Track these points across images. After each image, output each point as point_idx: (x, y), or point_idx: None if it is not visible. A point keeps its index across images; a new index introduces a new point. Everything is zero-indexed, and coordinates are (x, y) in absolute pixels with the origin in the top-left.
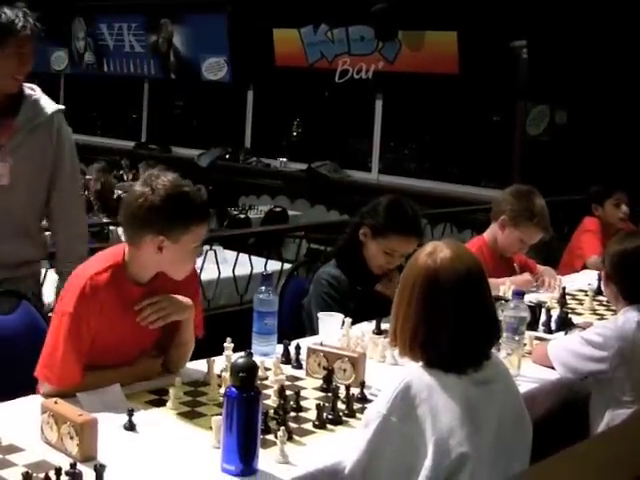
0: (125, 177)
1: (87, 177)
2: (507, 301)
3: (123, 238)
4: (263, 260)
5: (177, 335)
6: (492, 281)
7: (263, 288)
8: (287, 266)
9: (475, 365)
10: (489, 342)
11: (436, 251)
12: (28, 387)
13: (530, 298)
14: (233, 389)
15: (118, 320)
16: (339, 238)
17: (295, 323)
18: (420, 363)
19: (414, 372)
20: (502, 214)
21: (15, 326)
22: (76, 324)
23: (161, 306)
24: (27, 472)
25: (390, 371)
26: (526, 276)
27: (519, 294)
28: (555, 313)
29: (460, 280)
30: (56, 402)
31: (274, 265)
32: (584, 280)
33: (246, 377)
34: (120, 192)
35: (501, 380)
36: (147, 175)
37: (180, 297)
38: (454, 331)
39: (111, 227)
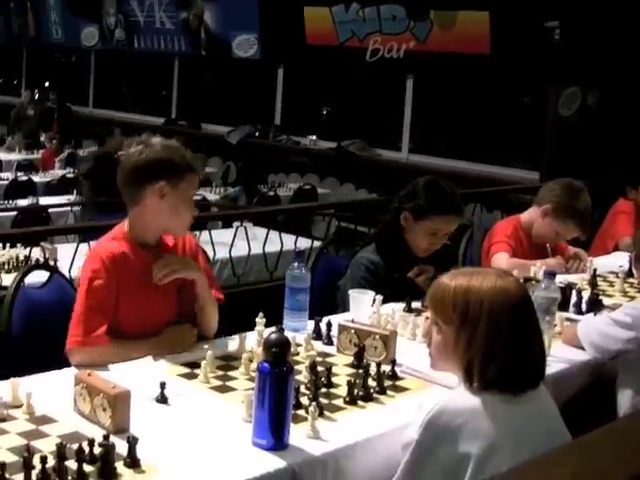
0: None
1: (120, 153)
2: (538, 282)
3: None
4: (293, 237)
5: (196, 301)
6: (524, 262)
7: (296, 264)
8: (317, 244)
9: (529, 387)
10: (543, 364)
11: (505, 274)
12: (61, 359)
13: (561, 279)
14: (265, 364)
15: (135, 289)
16: (378, 223)
17: (325, 300)
18: (461, 386)
19: (449, 397)
20: (547, 202)
21: (47, 299)
22: (94, 286)
23: (167, 262)
24: (61, 443)
25: (421, 349)
26: (558, 259)
27: (550, 275)
28: (586, 295)
29: (526, 300)
30: (89, 374)
31: (304, 242)
32: (615, 262)
33: (278, 352)
34: None
35: (540, 397)
36: (136, 139)
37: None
38: (534, 347)
39: None
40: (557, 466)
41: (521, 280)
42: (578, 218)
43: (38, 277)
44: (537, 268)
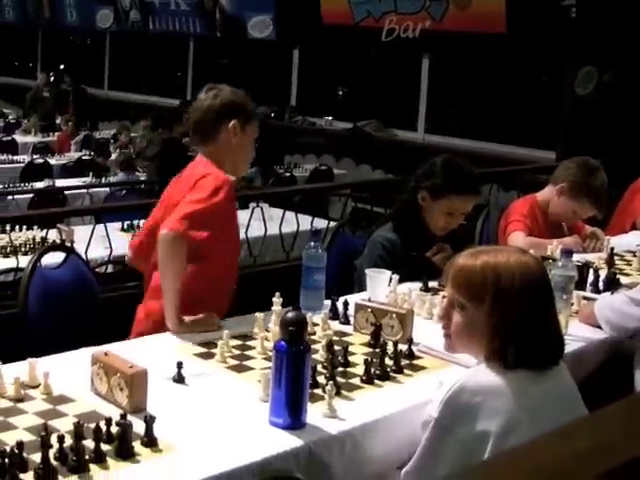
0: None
1: (133, 134)
2: (555, 261)
3: None
4: (309, 218)
5: None
6: (540, 241)
7: (312, 243)
8: (333, 225)
9: (552, 363)
10: (563, 341)
11: (523, 251)
12: (77, 338)
13: (578, 258)
14: (283, 343)
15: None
16: (395, 202)
17: (342, 280)
18: (481, 364)
19: (469, 375)
20: (563, 181)
21: (64, 279)
22: (214, 202)
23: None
24: (78, 422)
25: (437, 328)
26: (575, 238)
27: (568, 253)
28: (603, 273)
29: (547, 277)
30: (106, 354)
31: (320, 223)
32: (633, 241)
33: (295, 331)
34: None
35: (559, 375)
36: (205, 87)
37: None
38: (553, 323)
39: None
40: (576, 439)
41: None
42: (594, 197)
43: (54, 259)
44: (554, 247)
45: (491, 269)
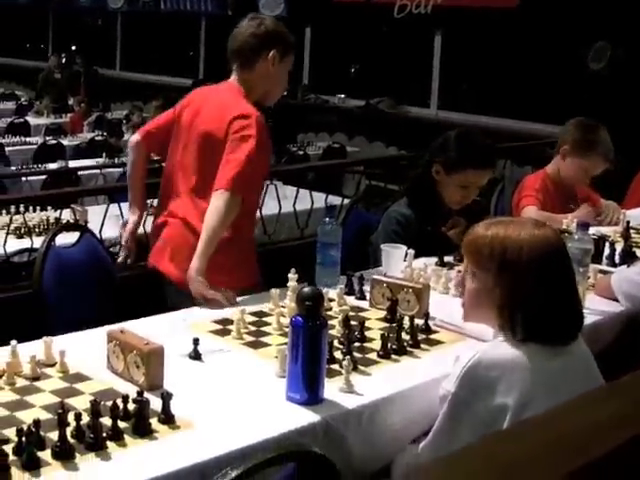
0: None
1: (145, 115)
2: (570, 234)
3: None
4: (323, 195)
5: None
6: (553, 216)
7: (327, 219)
8: (347, 202)
9: (569, 338)
10: (581, 315)
11: (540, 224)
12: (93, 317)
13: (593, 232)
14: (299, 318)
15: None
16: (409, 177)
17: (356, 256)
18: (498, 338)
19: (485, 349)
20: (564, 144)
21: (78, 258)
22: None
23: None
24: (95, 400)
25: (453, 302)
26: (587, 207)
27: (584, 226)
28: (619, 247)
29: (564, 249)
30: (122, 331)
31: (334, 201)
32: None
33: (312, 306)
34: None
35: (577, 349)
36: (248, 16)
37: None
38: (571, 298)
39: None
40: (597, 407)
41: None
42: (598, 148)
43: (69, 239)
44: (569, 221)
45: (499, 241)
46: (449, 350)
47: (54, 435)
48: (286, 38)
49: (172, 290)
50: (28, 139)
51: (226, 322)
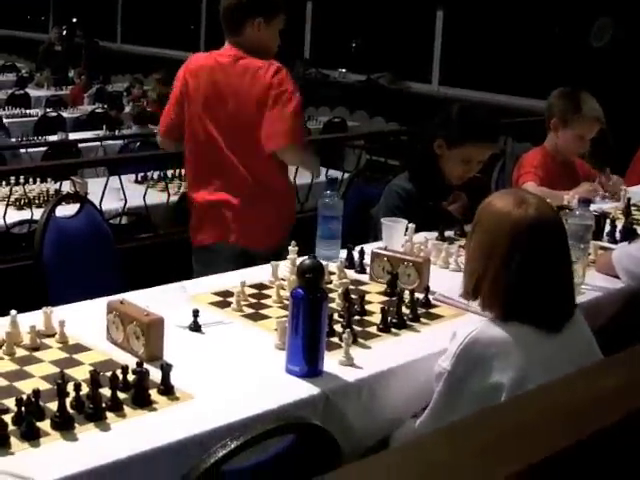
0: None
1: (145, 87)
2: (571, 210)
3: None
4: (323, 170)
5: None
6: (553, 192)
7: (328, 192)
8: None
9: (566, 317)
10: (573, 296)
11: (526, 200)
12: (93, 287)
13: (595, 208)
14: (299, 290)
15: None
16: (407, 151)
17: (357, 230)
18: (492, 315)
19: (482, 327)
20: (552, 118)
21: (78, 228)
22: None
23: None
24: (94, 370)
25: (454, 277)
26: (587, 185)
27: (585, 202)
28: (620, 224)
29: (558, 225)
30: (122, 302)
31: (335, 174)
32: None
33: (312, 278)
34: None
35: (575, 327)
36: None
37: None
38: (556, 280)
39: None
40: (601, 378)
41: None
42: (584, 109)
43: (69, 211)
44: (570, 197)
45: (481, 209)
46: (449, 324)
47: (53, 405)
48: (268, 4)
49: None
50: (28, 111)
51: (226, 294)
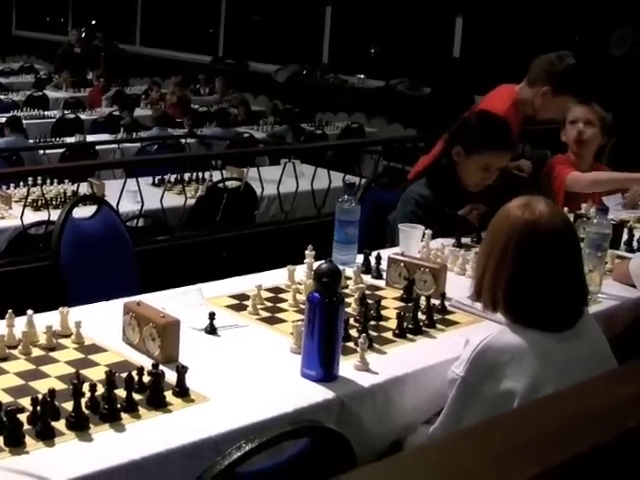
0: (202, 91)
1: (163, 91)
2: (589, 219)
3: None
4: (341, 175)
5: None
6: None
7: (345, 197)
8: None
9: (568, 323)
10: (583, 299)
11: (531, 204)
12: (109, 289)
13: (612, 217)
14: (316, 294)
15: None
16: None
17: (373, 235)
18: (507, 322)
19: (496, 334)
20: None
21: (96, 229)
22: None
23: None
24: (110, 371)
25: (470, 284)
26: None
27: (603, 211)
28: (637, 233)
29: (559, 233)
30: (139, 304)
31: (352, 180)
32: None
33: (329, 282)
34: (197, 106)
35: (588, 333)
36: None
37: None
38: (551, 287)
39: (189, 140)
40: (619, 384)
41: (571, 218)
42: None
43: (86, 212)
44: (588, 205)
45: (496, 216)
46: (465, 331)
47: (69, 405)
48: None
49: None
50: (46, 112)
51: (242, 297)
